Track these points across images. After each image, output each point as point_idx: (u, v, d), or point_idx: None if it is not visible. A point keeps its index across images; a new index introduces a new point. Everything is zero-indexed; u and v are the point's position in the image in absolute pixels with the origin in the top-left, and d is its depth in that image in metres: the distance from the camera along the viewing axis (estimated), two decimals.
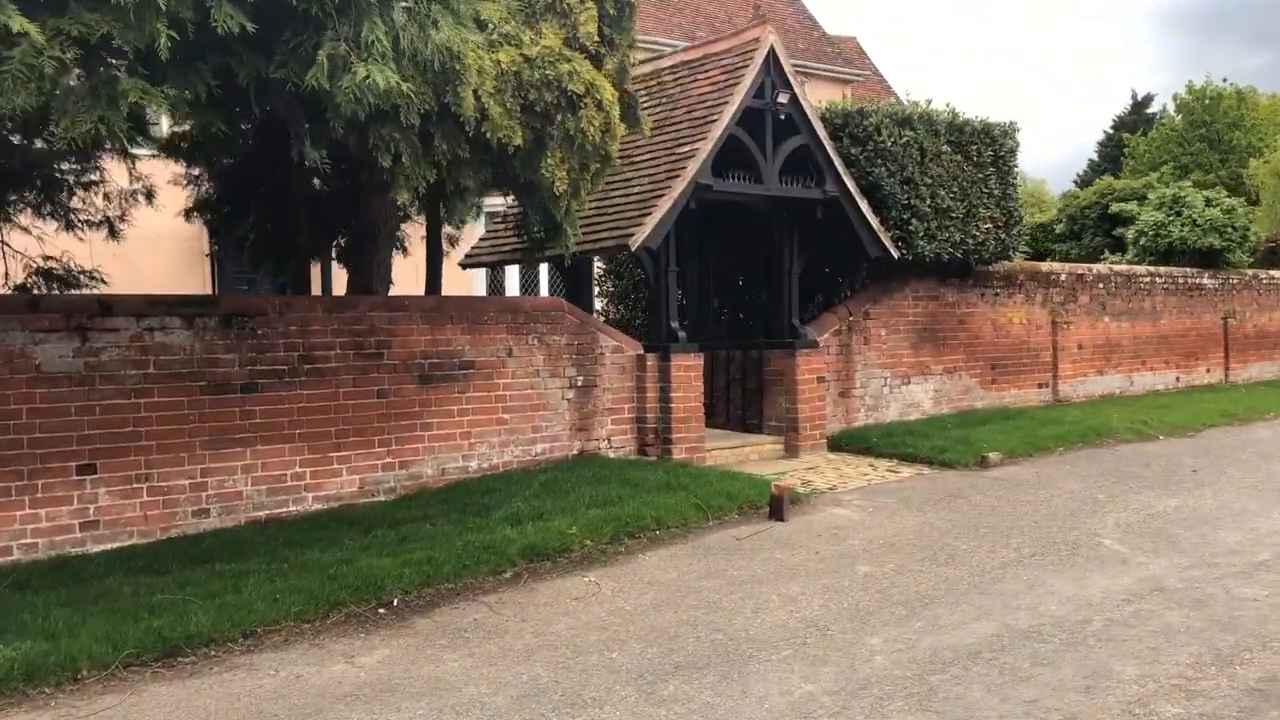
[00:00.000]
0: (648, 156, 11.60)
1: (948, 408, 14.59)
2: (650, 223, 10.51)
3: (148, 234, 12.43)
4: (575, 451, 10.78)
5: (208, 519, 8.50)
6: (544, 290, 19.37)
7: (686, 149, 11.10)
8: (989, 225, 13.94)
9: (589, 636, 6.44)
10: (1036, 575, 7.50)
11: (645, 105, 12.46)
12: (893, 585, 7.34)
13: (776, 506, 9.24)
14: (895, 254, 12.72)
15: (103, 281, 10.75)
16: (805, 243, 12.67)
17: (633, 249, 10.50)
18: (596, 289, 15.40)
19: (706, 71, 11.94)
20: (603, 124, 8.05)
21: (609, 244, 10.91)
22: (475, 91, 7.46)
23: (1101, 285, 17.21)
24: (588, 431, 10.90)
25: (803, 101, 11.76)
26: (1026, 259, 17.72)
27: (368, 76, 6.27)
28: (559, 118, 7.96)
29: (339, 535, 8.21)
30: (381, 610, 7.02)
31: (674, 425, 11.16)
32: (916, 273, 13.96)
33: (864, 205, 12.37)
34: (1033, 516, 9.30)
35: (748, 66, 11.35)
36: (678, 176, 10.82)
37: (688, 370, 11.29)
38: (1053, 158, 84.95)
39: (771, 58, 11.50)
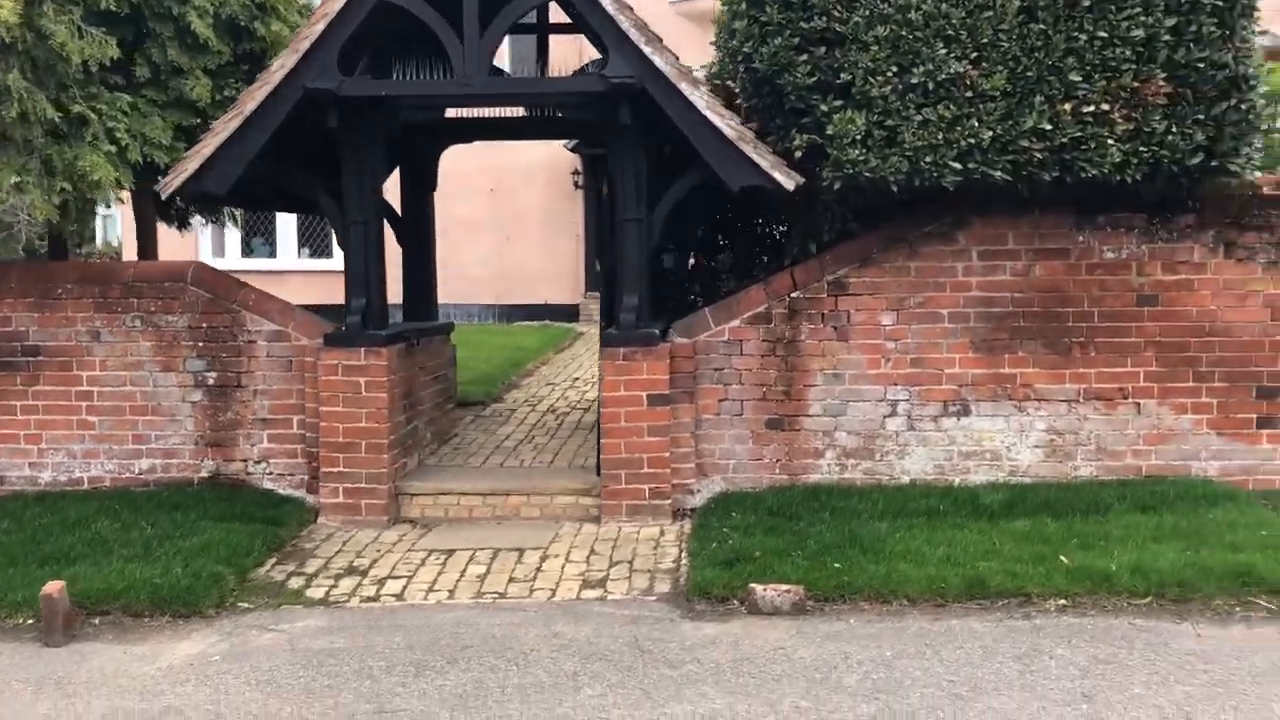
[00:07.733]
0: None
1: (1091, 468, 7.51)
2: (200, 155, 7.00)
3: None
4: (206, 474, 7.92)
5: None
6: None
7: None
8: (1104, 107, 6.61)
9: None
10: None
11: None
12: None
13: None
14: (789, 183, 6.81)
15: None
16: (661, 174, 7.47)
17: (163, 196, 7.15)
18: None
19: None
20: None
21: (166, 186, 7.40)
22: None
23: None
24: (227, 449, 7.90)
25: None
26: None
27: None
28: None
29: None
30: None
31: (323, 455, 7.53)
32: (985, 206, 7.27)
33: (698, 96, 6.81)
34: None
35: None
36: (261, 84, 7.06)
37: (350, 374, 7.45)
38: None
39: None
